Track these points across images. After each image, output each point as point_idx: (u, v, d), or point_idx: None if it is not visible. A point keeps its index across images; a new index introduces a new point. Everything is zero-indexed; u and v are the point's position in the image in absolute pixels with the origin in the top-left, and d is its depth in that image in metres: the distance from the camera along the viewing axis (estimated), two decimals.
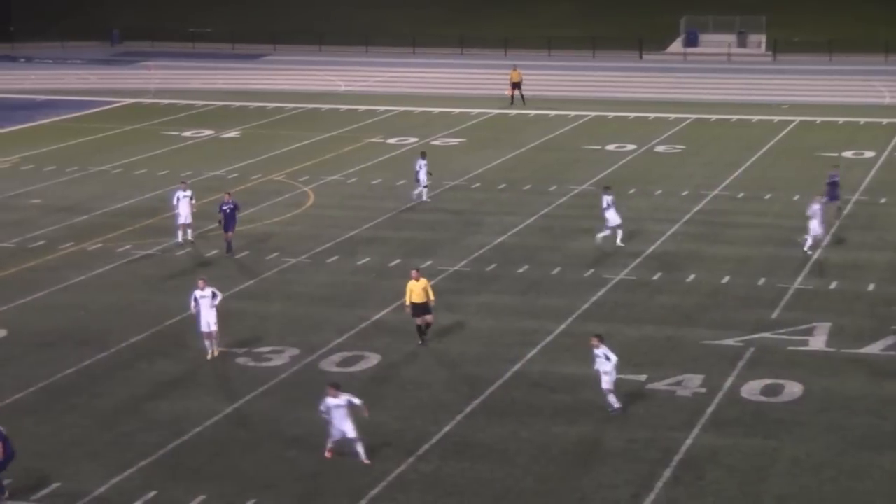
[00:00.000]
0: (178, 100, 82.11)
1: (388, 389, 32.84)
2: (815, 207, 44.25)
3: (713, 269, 42.98)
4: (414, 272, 36.17)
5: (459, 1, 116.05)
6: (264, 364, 34.63)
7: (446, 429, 30.29)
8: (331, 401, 28.25)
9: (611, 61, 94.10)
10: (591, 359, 31.13)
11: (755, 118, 72.79)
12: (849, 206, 51.18)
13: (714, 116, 73.74)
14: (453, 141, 67.63)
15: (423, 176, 52.63)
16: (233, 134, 70.37)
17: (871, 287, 40.81)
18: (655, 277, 42.18)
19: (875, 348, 35.33)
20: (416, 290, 35.72)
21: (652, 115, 74.02)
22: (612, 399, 30.95)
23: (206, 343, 35.10)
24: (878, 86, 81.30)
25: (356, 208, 52.09)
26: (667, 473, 27.75)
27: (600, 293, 40.44)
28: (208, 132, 70.77)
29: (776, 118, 72.29)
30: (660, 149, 64.92)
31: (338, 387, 28.58)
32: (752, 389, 32.43)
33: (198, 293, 35.05)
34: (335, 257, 45.00)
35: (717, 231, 47.81)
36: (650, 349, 35.43)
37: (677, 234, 47.59)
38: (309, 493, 27.15)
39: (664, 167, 60.20)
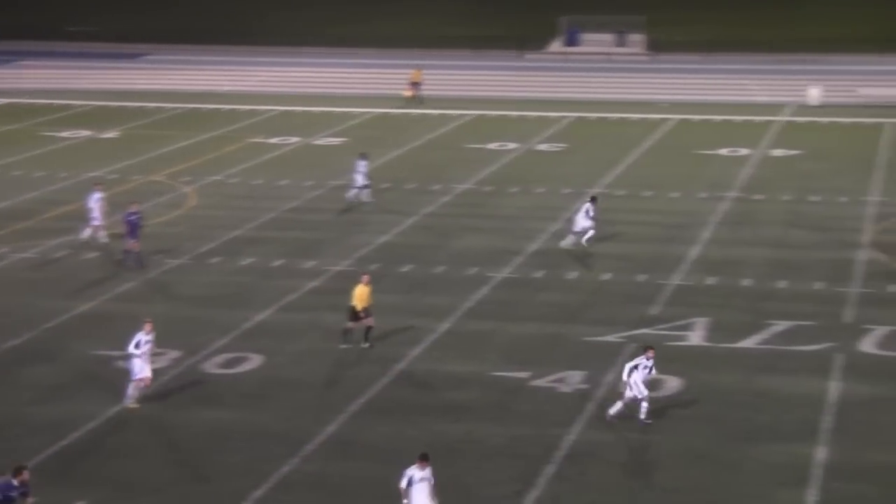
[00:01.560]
0: (55, 100, 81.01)
1: (271, 390, 32.76)
2: None
3: (595, 266, 43.47)
4: (365, 277, 35.99)
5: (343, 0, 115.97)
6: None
7: (331, 429, 30.31)
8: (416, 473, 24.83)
9: (492, 60, 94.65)
10: (634, 368, 30.36)
11: (635, 117, 73.70)
12: (727, 204, 52.04)
13: (595, 115, 74.52)
14: (336, 140, 67.59)
15: (360, 177, 52.19)
16: (112, 134, 69.62)
17: (747, 283, 41.57)
18: (538, 275, 42.56)
19: (751, 342, 36.02)
20: (363, 294, 35.54)
21: (534, 114, 74.60)
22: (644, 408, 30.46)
23: (134, 391, 31.61)
24: (754, 85, 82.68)
25: (238, 209, 51.85)
26: (550, 469, 28.05)
27: (484, 291, 40.71)
28: (86, 132, 69.94)
29: (656, 117, 73.26)
30: (541, 147, 65.48)
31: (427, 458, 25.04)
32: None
33: (143, 336, 31.44)
34: (218, 258, 44.76)
35: (598, 229, 48.33)
36: (533, 346, 35.76)
37: (559, 231, 48.04)
38: (193, 496, 27.00)
39: (546, 166, 60.74)
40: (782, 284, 41.35)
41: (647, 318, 37.98)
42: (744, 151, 63.22)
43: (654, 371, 30.46)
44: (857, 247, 45.44)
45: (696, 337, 36.55)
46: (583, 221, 45.36)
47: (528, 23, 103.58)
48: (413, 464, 24.67)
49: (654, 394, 31.78)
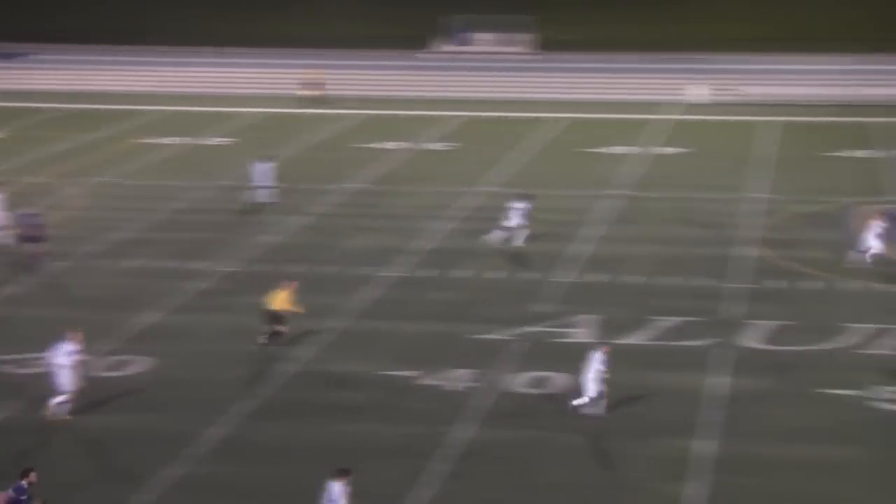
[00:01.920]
0: None
1: (161, 392, 32.63)
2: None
3: (484, 264, 43.80)
4: (286, 282, 36.06)
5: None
6: (33, 370, 33.94)
7: (222, 431, 30.27)
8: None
9: (384, 60, 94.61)
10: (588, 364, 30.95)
11: (525, 115, 74.20)
12: (615, 201, 52.66)
13: (485, 114, 74.95)
14: (227, 141, 67.29)
15: (264, 178, 51.88)
16: None
17: (634, 279, 42.15)
18: (429, 274, 42.80)
19: (637, 339, 36.56)
20: (280, 297, 35.47)
21: (425, 114, 74.82)
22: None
23: (62, 405, 30.68)
24: (642, 83, 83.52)
25: (127, 210, 51.44)
26: (442, 468, 28.28)
27: (376, 291, 40.83)
28: None
29: (545, 115, 73.80)
30: (433, 147, 65.75)
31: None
32: (521, 382, 33.25)
33: (69, 346, 30.57)
34: (106, 260, 44.41)
35: (488, 227, 48.61)
36: (423, 345, 35.98)
37: (450, 231, 48.32)
38: (78, 501, 26.83)
39: (437, 165, 61.02)
40: (669, 281, 41.99)
41: (535, 316, 38.36)
42: (632, 149, 63.97)
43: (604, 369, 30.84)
44: (742, 243, 46.23)
45: (581, 334, 36.99)
46: (516, 219, 45.66)
47: (418, 22, 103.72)
48: (334, 477, 24.55)
49: (541, 391, 32.23)
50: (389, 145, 65.39)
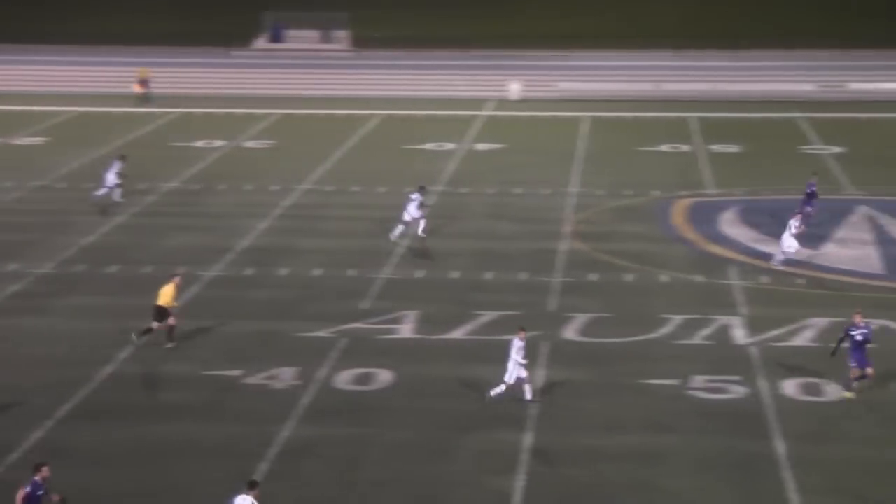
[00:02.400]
0: None
1: None
2: None
3: (305, 262, 43.65)
4: (172, 276, 35.73)
5: None
6: None
7: (37, 435, 29.62)
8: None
9: (198, 57, 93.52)
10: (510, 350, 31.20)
11: (342, 113, 74.09)
12: (434, 198, 52.95)
13: (302, 112, 74.64)
14: (37, 140, 65.81)
15: (111, 177, 50.62)
16: None
17: (454, 275, 42.43)
18: (249, 273, 42.48)
19: (459, 333, 36.83)
20: (165, 293, 35.09)
21: (241, 111, 74.19)
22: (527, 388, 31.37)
23: None
24: (457, 80, 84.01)
25: None
26: (265, 467, 28.11)
27: (195, 290, 40.37)
28: None
29: (362, 112, 73.78)
30: (249, 144, 65.25)
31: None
32: (345, 379, 33.23)
33: None
34: None
35: (308, 224, 48.54)
36: (245, 344, 35.70)
37: (269, 228, 48.04)
38: None
39: (254, 162, 60.57)
40: (489, 276, 42.36)
41: (357, 313, 38.37)
42: (449, 146, 64.37)
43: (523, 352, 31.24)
44: (559, 237, 46.87)
45: (406, 330, 37.13)
46: (414, 212, 45.69)
47: (233, 19, 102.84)
48: (242, 491, 24.01)
49: (365, 387, 32.30)
50: (207, 143, 64.68)
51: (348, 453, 28.90)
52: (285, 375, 33.39)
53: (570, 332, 36.88)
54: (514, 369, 31.26)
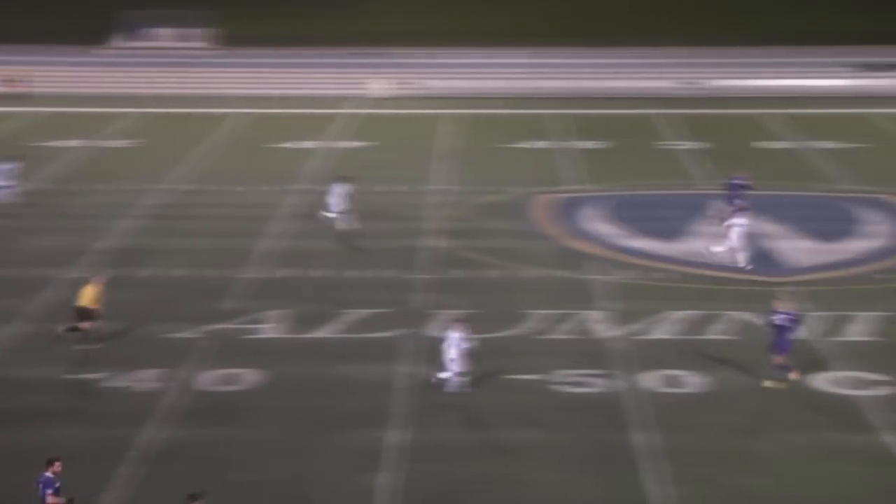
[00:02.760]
0: None
1: None
2: None
3: (168, 262, 43.21)
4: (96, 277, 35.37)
5: None
6: None
7: None
8: None
9: (56, 56, 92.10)
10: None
11: (203, 111, 73.44)
12: (297, 196, 52.75)
13: (163, 110, 73.80)
14: None
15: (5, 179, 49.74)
16: None
17: (319, 273, 42.33)
18: (113, 274, 41.86)
19: (326, 332, 36.76)
20: (88, 293, 34.82)
21: (100, 110, 73.16)
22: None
23: None
24: (322, 78, 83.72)
25: None
26: (131, 470, 27.78)
27: (58, 293, 39.66)
28: None
29: (224, 111, 73.21)
30: (115, 144, 64.39)
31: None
32: (210, 380, 32.99)
33: None
34: None
35: (170, 224, 48.06)
36: (110, 346, 35.22)
37: (130, 229, 47.46)
38: None
39: (120, 162, 59.76)
40: (354, 273, 42.33)
41: (222, 313, 38.09)
42: (313, 144, 64.13)
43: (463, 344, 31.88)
44: (425, 234, 46.99)
45: (272, 329, 36.96)
46: (340, 204, 46.13)
47: (91, 16, 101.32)
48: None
49: (231, 388, 32.12)
50: (69, 143, 63.68)
51: (214, 455, 28.69)
52: (149, 377, 33.03)
53: (437, 329, 37.00)
54: (459, 358, 31.82)
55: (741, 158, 60.04)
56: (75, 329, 34.90)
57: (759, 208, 49.95)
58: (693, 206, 50.50)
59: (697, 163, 59.29)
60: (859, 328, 36.68)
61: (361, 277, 41.93)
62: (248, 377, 33.12)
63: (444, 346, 32.33)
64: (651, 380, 33.14)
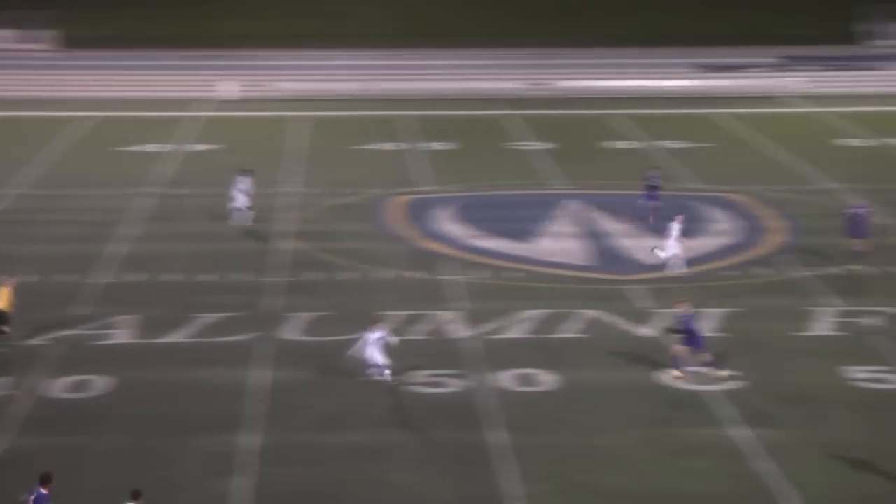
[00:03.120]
0: None
1: None
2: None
3: (16, 269, 42.24)
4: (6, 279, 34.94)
5: None
6: None
7: None
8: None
9: None
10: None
11: (47, 114, 72.09)
12: (149, 200, 52.11)
13: (4, 114, 72.31)
14: None
15: None
16: None
17: (172, 277, 41.86)
18: None
19: (179, 336, 36.39)
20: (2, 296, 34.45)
21: None
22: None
23: None
24: (172, 80, 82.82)
25: None
26: None
27: None
28: None
29: (71, 114, 71.99)
30: None
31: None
32: (61, 387, 32.43)
33: None
34: None
35: (16, 230, 47.15)
36: None
37: None
38: None
39: None
40: (208, 277, 41.96)
41: (73, 319, 37.46)
42: (164, 147, 63.40)
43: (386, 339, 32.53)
44: (279, 237, 46.73)
45: (123, 335, 36.45)
46: (241, 199, 46.72)
47: None
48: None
49: (83, 395, 31.62)
50: None
51: (66, 463, 28.16)
52: None
53: (293, 332, 36.85)
54: (371, 355, 32.42)
55: (589, 158, 60.93)
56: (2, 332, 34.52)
57: (610, 207, 50.74)
58: (543, 206, 51.08)
59: (546, 163, 59.89)
60: (707, 325, 37.34)
61: (216, 281, 41.56)
62: (99, 383, 32.62)
63: (361, 344, 32.54)
64: (505, 379, 33.38)
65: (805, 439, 29.77)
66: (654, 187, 49.08)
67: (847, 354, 35.03)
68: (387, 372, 32.76)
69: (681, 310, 33.75)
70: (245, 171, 48.48)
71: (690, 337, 33.17)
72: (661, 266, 42.13)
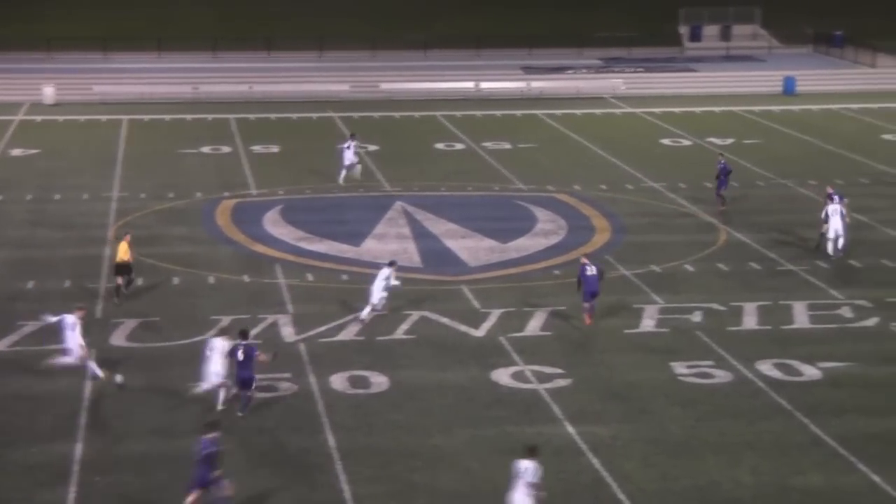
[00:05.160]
0: None
1: None
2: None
3: None
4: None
5: None
6: None
7: None
8: None
9: None
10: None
11: None
12: None
13: None
14: None
15: None
16: None
17: None
18: None
19: (2, 346, 35.66)
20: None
21: None
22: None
23: None
24: (2, 84, 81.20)
25: None
26: None
27: None
28: None
29: None
30: None
31: None
32: None
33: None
34: None
35: None
36: None
37: None
38: None
39: None
40: (30, 284, 41.12)
41: None
42: None
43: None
44: (102, 243, 45.98)
45: None
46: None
47: None
48: None
49: None
50: None
51: None
52: None
53: (118, 339, 36.33)
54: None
55: (414, 160, 61.23)
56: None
57: (437, 208, 51.11)
58: (369, 208, 51.24)
59: (375, 164, 59.99)
60: (536, 323, 37.87)
61: (38, 288, 40.75)
62: None
63: (209, 353, 31.45)
64: (334, 381, 33.38)
65: (630, 435, 30.36)
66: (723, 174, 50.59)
67: (671, 350, 35.82)
68: (205, 386, 31.65)
69: (586, 261, 37.00)
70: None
71: (587, 285, 37.03)
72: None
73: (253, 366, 30.92)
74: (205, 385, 31.46)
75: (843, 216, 44.48)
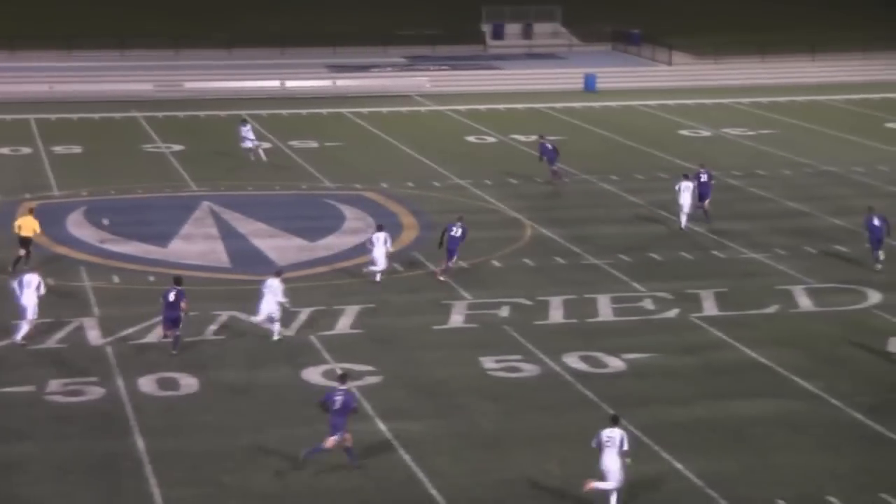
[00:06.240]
0: None
1: None
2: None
3: None
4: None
5: None
6: None
7: None
8: None
9: None
10: None
11: None
12: None
13: None
14: None
15: None
16: None
17: None
18: None
19: None
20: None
21: None
22: None
23: None
24: None
25: None
26: None
27: None
28: None
29: None
30: None
31: None
32: None
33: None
34: None
35: None
36: None
37: None
38: None
39: None
40: None
41: None
42: None
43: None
44: None
45: None
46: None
47: None
48: None
49: None
50: None
51: None
52: None
53: None
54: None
55: (219, 159, 60.80)
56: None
57: (245, 208, 50.87)
58: (175, 209, 50.73)
59: (180, 164, 59.37)
60: (346, 321, 37.96)
61: None
62: None
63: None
64: (147, 384, 33.00)
65: (441, 430, 30.62)
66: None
67: (480, 345, 36.24)
68: None
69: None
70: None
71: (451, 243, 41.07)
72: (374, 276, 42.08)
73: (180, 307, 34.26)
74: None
75: (693, 193, 48.43)
